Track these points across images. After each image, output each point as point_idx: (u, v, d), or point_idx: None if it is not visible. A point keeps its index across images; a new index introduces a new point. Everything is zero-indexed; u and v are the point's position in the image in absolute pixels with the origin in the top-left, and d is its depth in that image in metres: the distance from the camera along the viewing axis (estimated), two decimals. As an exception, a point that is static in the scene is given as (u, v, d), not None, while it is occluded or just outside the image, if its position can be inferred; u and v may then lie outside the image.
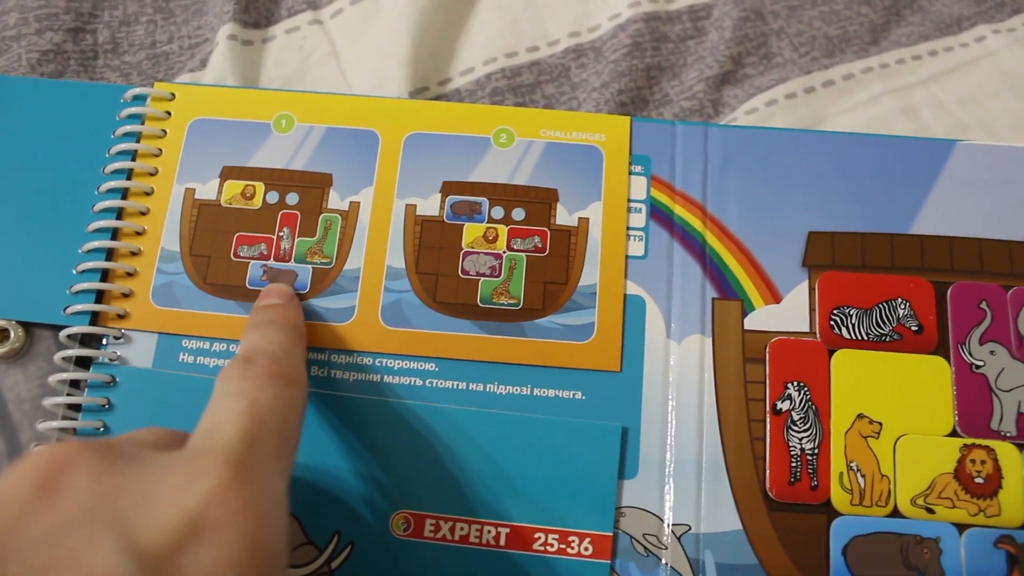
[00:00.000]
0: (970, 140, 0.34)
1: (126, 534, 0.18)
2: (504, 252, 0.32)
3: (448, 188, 0.33)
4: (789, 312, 0.32)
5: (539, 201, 0.33)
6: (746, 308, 0.32)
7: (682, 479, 0.30)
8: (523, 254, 0.32)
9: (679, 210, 0.33)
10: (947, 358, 0.31)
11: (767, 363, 0.31)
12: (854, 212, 0.33)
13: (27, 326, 0.32)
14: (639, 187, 0.33)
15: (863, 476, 0.30)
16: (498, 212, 0.33)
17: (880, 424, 0.30)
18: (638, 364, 0.31)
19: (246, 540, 0.20)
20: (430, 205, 0.33)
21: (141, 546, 0.18)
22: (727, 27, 0.39)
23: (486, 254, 0.32)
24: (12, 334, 0.32)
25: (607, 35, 0.39)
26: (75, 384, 0.31)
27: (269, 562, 0.20)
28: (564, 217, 0.33)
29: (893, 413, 0.30)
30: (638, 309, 0.32)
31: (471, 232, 0.33)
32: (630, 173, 0.33)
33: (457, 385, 0.31)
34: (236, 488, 0.21)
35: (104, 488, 0.20)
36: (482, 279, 0.32)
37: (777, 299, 0.32)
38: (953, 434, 0.30)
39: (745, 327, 0.32)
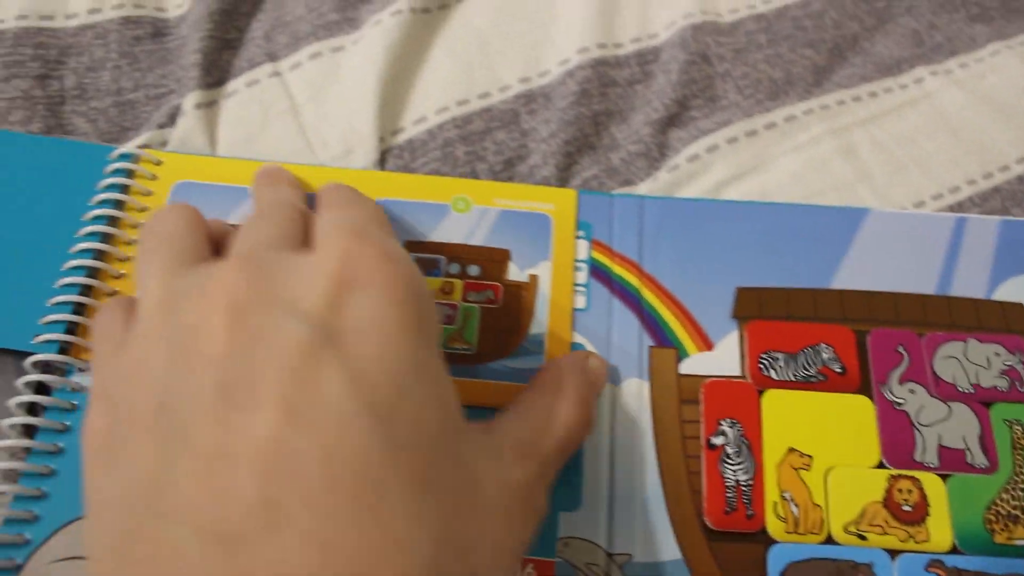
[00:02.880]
0: (879, 208, 0.37)
1: (292, 307, 0.21)
2: (460, 303, 0.34)
3: (409, 247, 0.36)
4: (721, 358, 0.34)
5: (493, 260, 0.35)
6: (681, 355, 0.34)
7: (623, 511, 0.31)
8: (477, 305, 0.34)
9: (617, 268, 0.35)
10: (870, 396, 0.33)
11: (701, 402, 0.33)
12: (777, 271, 0.36)
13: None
14: (581, 249, 0.36)
15: (796, 505, 0.31)
16: (454, 268, 0.35)
17: (811, 457, 0.32)
18: (581, 404, 0.33)
19: (392, 279, 0.23)
20: None
21: (307, 310, 0.21)
22: (674, 70, 0.41)
23: (441, 304, 0.34)
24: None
25: (556, 81, 0.41)
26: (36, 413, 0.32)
27: (419, 292, 0.24)
28: (516, 273, 0.35)
29: (822, 447, 0.32)
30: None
31: (429, 284, 0.35)
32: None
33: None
34: (364, 245, 0.23)
35: (260, 290, 0.22)
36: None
37: (710, 347, 0.34)
38: (880, 466, 0.32)
39: (680, 371, 0.34)
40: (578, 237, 0.36)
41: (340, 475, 0.19)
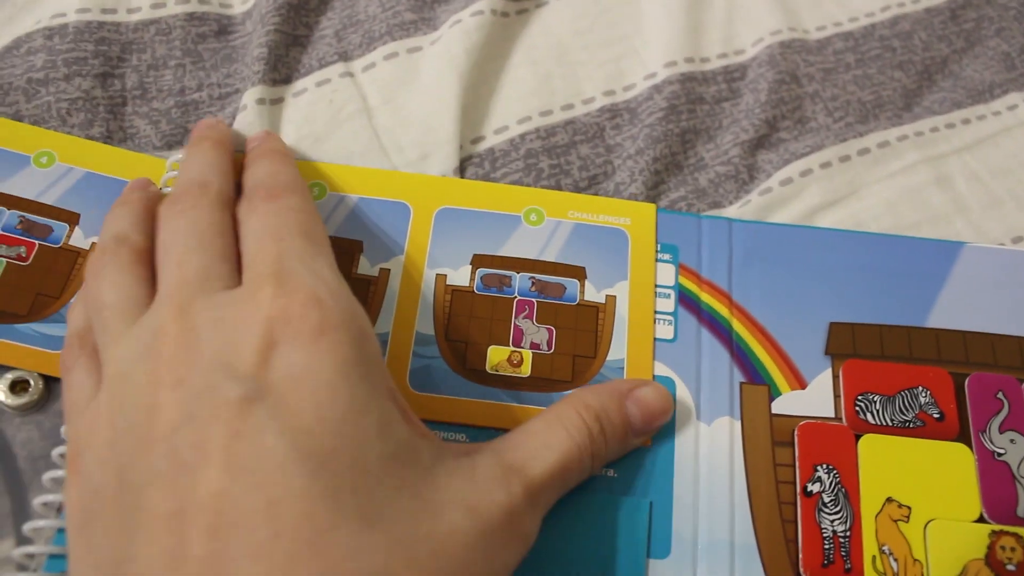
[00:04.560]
0: (976, 243, 0.36)
1: (228, 369, 0.23)
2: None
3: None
4: (814, 398, 0.32)
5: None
6: (773, 393, 0.32)
7: (715, 560, 0.29)
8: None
9: (706, 297, 0.34)
10: (969, 445, 0.31)
11: (796, 446, 0.31)
12: (870, 306, 0.34)
13: (47, 380, 0.31)
14: (667, 274, 0.34)
15: (896, 560, 0.29)
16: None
17: (909, 508, 0.30)
18: (669, 443, 0.31)
19: (319, 327, 0.23)
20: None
21: (241, 369, 0.22)
22: (762, 89, 0.40)
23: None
24: (32, 386, 0.31)
25: (642, 96, 0.40)
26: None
27: (351, 331, 0.24)
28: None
29: (921, 497, 0.30)
30: (667, 390, 0.32)
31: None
32: (658, 260, 0.34)
33: (487, 457, 0.31)
34: (288, 292, 0.24)
35: (197, 354, 0.23)
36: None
37: (803, 385, 0.32)
38: (980, 520, 0.30)
39: (773, 411, 0.32)
40: (664, 260, 0.34)
41: (284, 523, 0.20)
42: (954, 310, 0.34)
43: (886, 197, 0.38)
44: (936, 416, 0.32)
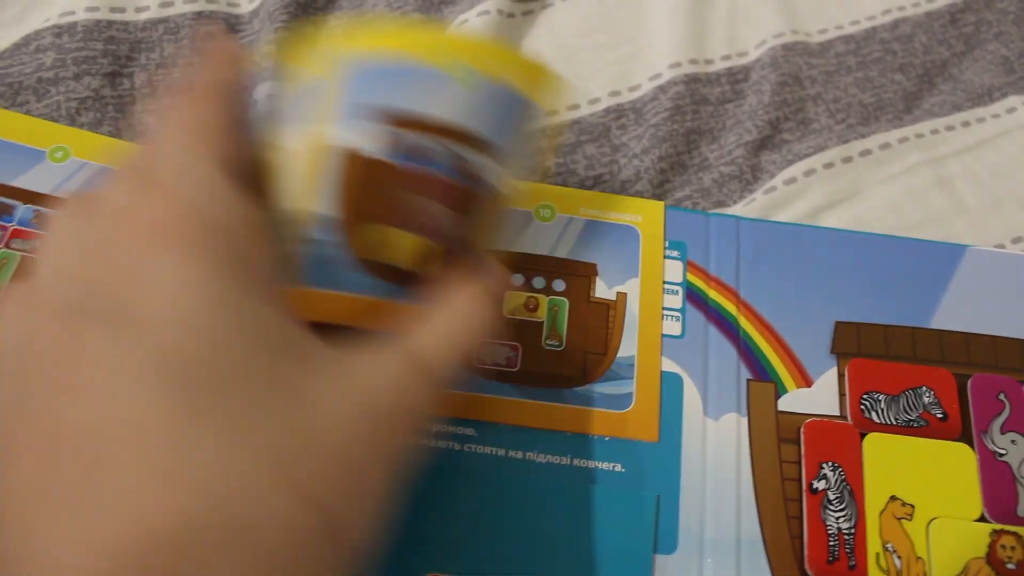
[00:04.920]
0: (978, 246, 0.36)
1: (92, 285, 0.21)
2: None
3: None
4: (820, 396, 0.33)
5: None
6: (779, 390, 0.33)
7: (721, 555, 0.30)
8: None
9: (713, 294, 0.34)
10: (971, 445, 0.32)
11: (802, 443, 0.31)
12: (874, 306, 0.34)
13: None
14: (675, 270, 0.34)
15: (899, 557, 0.30)
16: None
17: (912, 507, 0.31)
18: (676, 438, 0.31)
19: (174, 233, 0.22)
20: None
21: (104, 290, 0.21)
22: (765, 91, 0.40)
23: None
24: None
25: (648, 96, 0.40)
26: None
27: (209, 230, 0.22)
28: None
29: (924, 496, 0.31)
30: (675, 386, 0.32)
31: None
32: (666, 257, 0.35)
33: (496, 451, 0.31)
34: (147, 200, 0.22)
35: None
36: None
37: (808, 383, 0.33)
38: (982, 519, 0.31)
39: (779, 408, 0.32)
40: (671, 257, 0.35)
41: (146, 445, 0.19)
42: (957, 312, 0.35)
43: (888, 197, 0.38)
44: (939, 416, 0.32)
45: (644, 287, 0.34)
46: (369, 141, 0.25)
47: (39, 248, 0.23)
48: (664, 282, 0.34)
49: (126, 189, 0.23)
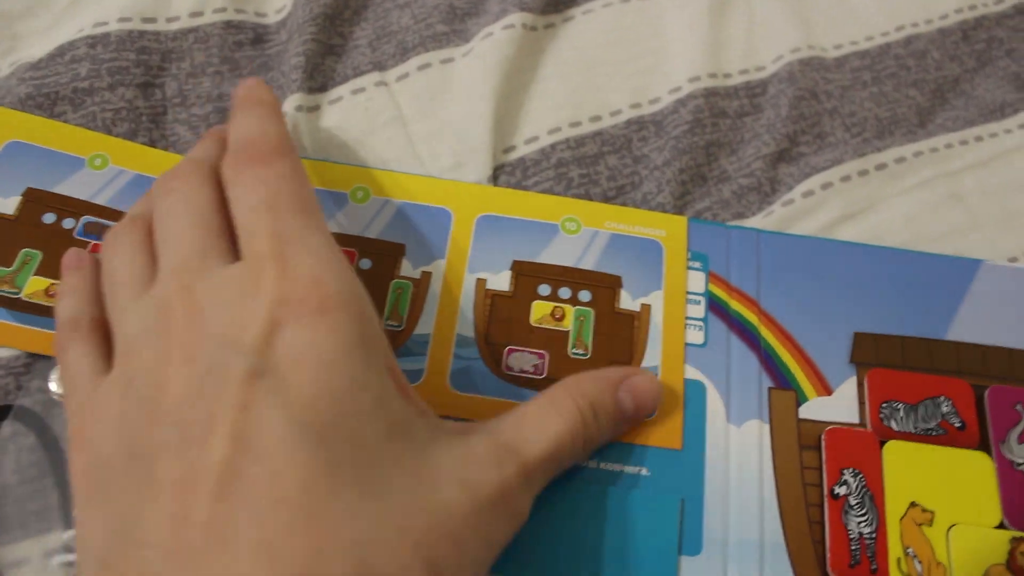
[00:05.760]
0: (993, 261, 0.37)
1: (234, 344, 0.23)
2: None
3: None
4: (840, 404, 0.33)
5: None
6: (800, 398, 0.33)
7: (745, 558, 0.30)
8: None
9: (735, 304, 0.35)
10: (989, 454, 0.32)
11: (823, 450, 0.32)
12: (892, 318, 0.35)
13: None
14: (698, 281, 0.35)
15: (920, 562, 0.30)
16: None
17: (932, 513, 0.31)
18: (700, 445, 0.32)
19: (320, 307, 0.24)
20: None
21: (247, 344, 0.23)
22: (783, 105, 0.41)
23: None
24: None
25: (668, 109, 0.41)
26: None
27: (352, 311, 0.25)
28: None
29: (944, 503, 0.31)
30: (698, 393, 0.33)
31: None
32: (689, 268, 0.35)
33: (524, 456, 0.31)
34: (290, 271, 0.24)
35: (201, 327, 0.24)
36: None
37: (828, 392, 0.33)
38: (1001, 526, 0.31)
39: (800, 416, 0.33)
40: (693, 268, 0.35)
41: (284, 492, 0.21)
42: (973, 324, 0.35)
43: (904, 211, 0.39)
44: (957, 425, 0.33)
45: (668, 300, 0.35)
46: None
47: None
48: (687, 292, 0.35)
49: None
